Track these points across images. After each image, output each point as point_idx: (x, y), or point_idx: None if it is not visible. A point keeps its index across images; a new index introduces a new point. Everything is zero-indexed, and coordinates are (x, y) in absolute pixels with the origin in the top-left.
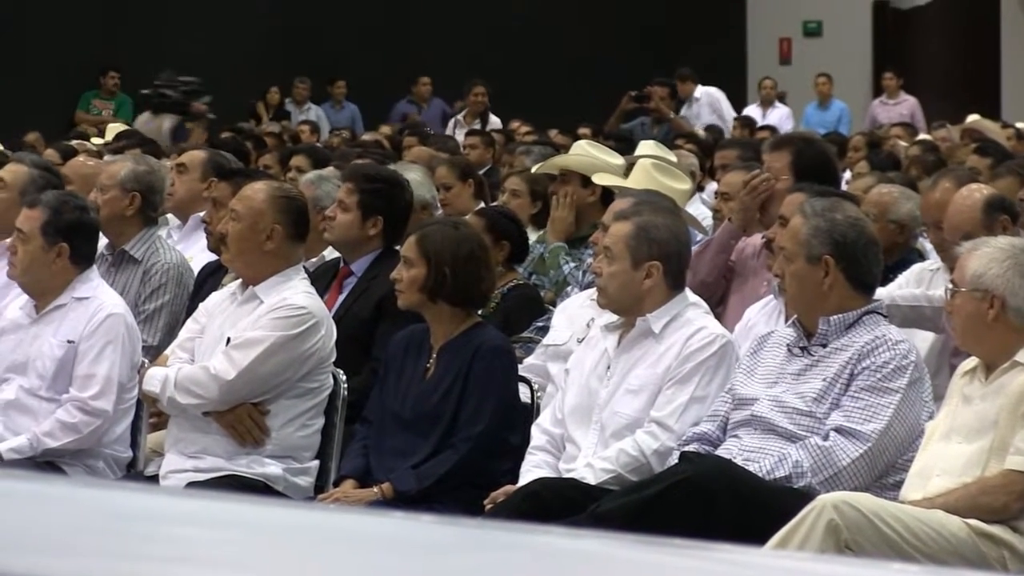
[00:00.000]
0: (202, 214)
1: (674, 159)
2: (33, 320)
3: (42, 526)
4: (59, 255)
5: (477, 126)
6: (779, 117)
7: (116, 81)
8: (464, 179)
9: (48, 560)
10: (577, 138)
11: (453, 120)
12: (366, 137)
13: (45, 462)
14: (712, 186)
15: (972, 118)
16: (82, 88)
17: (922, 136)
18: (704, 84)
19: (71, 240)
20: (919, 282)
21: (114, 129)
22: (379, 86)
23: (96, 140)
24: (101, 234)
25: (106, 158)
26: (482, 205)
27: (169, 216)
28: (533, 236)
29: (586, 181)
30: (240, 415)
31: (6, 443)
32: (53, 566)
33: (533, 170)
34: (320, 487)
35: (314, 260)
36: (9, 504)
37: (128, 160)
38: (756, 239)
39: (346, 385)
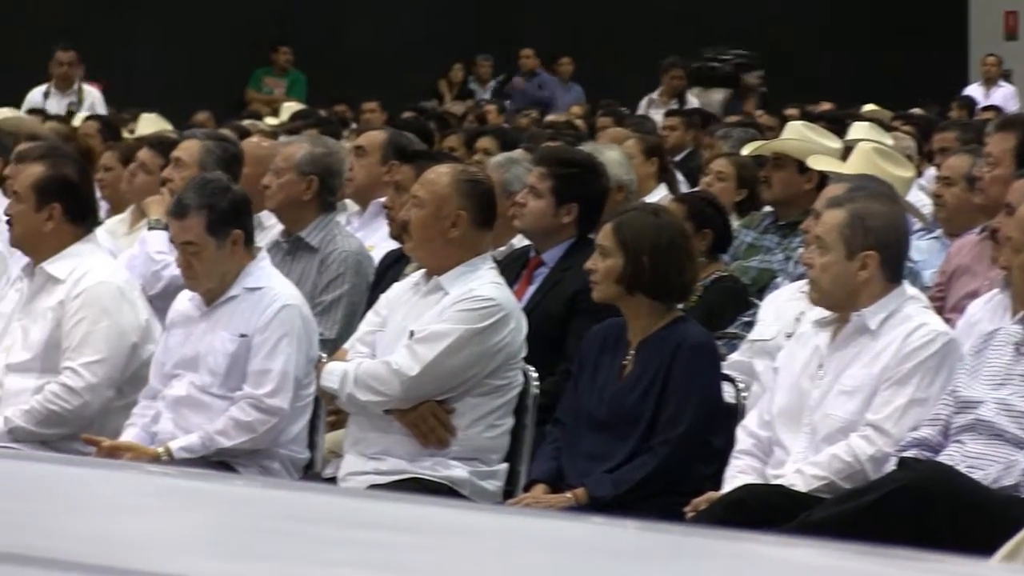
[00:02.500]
0: (383, 200)
1: (890, 141)
2: (203, 313)
3: (216, 528)
4: (234, 243)
5: (675, 106)
6: (1003, 97)
7: (289, 57)
8: (649, 156)
9: (223, 564)
10: (784, 119)
11: (647, 99)
12: (556, 117)
13: (218, 462)
14: (931, 171)
15: None
16: (253, 65)
17: None
18: (921, 59)
19: (241, 225)
20: None
21: (289, 108)
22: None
23: (270, 120)
24: (277, 221)
25: (281, 139)
26: (664, 187)
27: (347, 201)
28: (736, 223)
29: (802, 166)
30: (423, 414)
31: (177, 441)
32: (228, 570)
33: (743, 152)
34: (509, 492)
35: (502, 249)
36: (181, 505)
37: (305, 141)
38: (971, 237)
39: (537, 382)
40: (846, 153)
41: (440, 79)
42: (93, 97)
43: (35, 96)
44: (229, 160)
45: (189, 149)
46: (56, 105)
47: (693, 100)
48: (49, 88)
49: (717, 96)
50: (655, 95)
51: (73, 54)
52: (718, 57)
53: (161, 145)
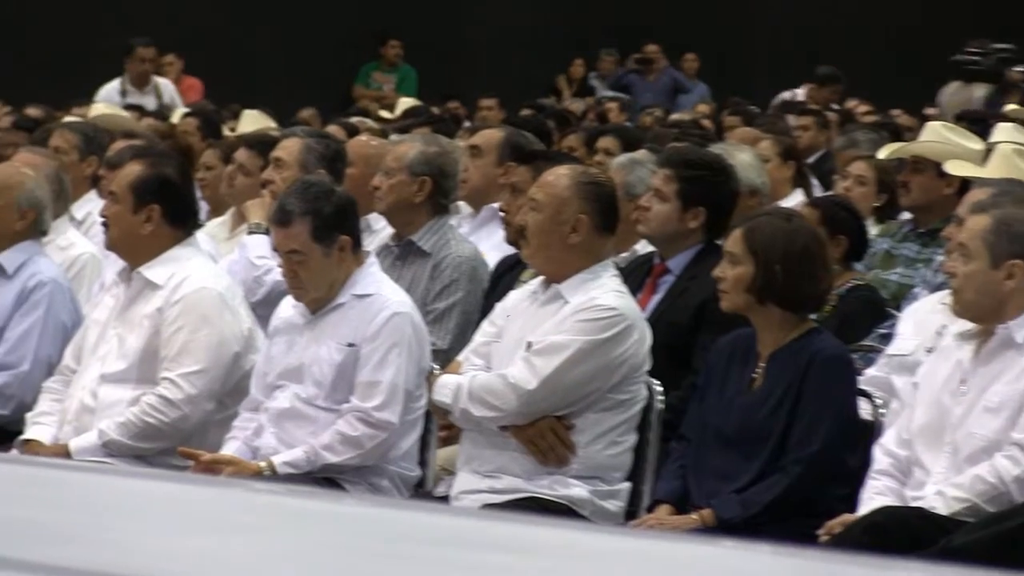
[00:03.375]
0: (496, 205)
1: None
2: (308, 321)
3: (323, 549)
4: (342, 249)
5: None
6: None
7: (398, 51)
8: (785, 159)
9: None
10: (924, 119)
11: (780, 99)
12: (682, 116)
13: (324, 478)
14: None
15: None
16: (360, 59)
17: None
18: None
19: (348, 230)
20: None
21: (405, 104)
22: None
23: (385, 113)
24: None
25: (392, 137)
26: (800, 192)
27: (460, 204)
28: (874, 230)
29: (942, 170)
30: (542, 430)
31: (280, 456)
32: None
33: (879, 155)
34: (632, 512)
35: (625, 255)
36: (286, 524)
37: (417, 140)
38: None
39: (661, 397)
40: (988, 156)
41: (559, 74)
42: (169, 91)
43: (110, 93)
44: (332, 158)
45: (289, 148)
46: (136, 102)
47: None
48: (124, 84)
49: (979, 92)
50: (796, 92)
51: (153, 50)
52: (981, 51)
53: (260, 145)
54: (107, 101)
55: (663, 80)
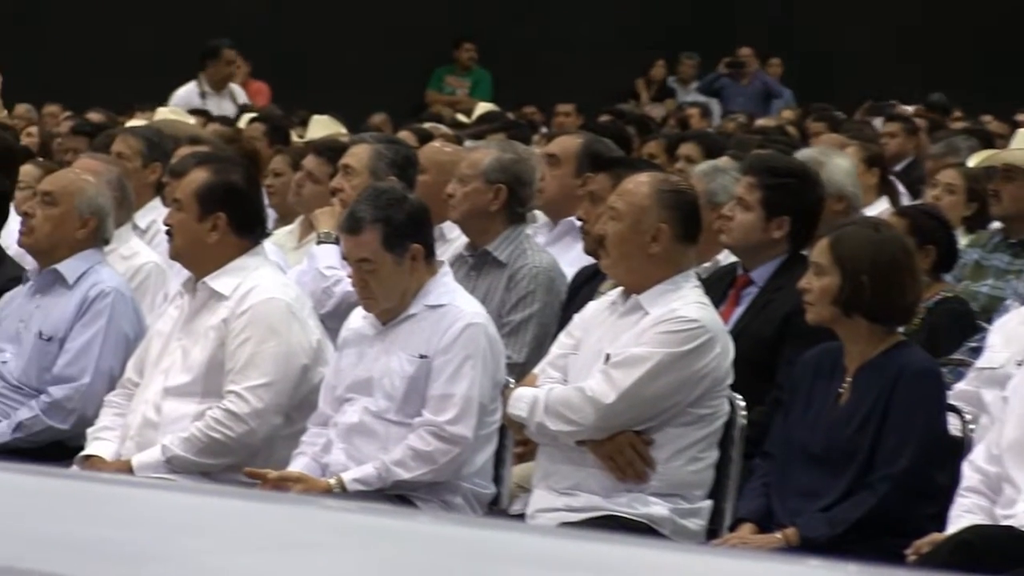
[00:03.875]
0: (574, 218)
1: None
2: (379, 332)
3: (396, 568)
4: (414, 258)
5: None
6: None
7: (472, 54)
8: (870, 165)
9: None
10: (1016, 125)
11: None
12: (766, 122)
13: (395, 496)
14: None
15: None
16: (433, 63)
17: None
18: None
19: (420, 239)
20: None
21: (479, 109)
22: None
23: (461, 118)
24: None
25: (467, 144)
26: (884, 200)
27: (537, 213)
28: (964, 240)
29: None
30: (620, 445)
31: (350, 473)
32: None
33: (969, 163)
34: (713, 531)
35: (707, 265)
36: (358, 542)
37: (492, 147)
38: None
39: (744, 412)
40: None
41: (639, 78)
42: (242, 95)
43: (189, 96)
44: (403, 164)
45: (358, 155)
46: (216, 107)
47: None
48: (202, 87)
49: None
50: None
51: (234, 52)
52: None
53: (329, 151)
54: (186, 104)
55: (755, 84)
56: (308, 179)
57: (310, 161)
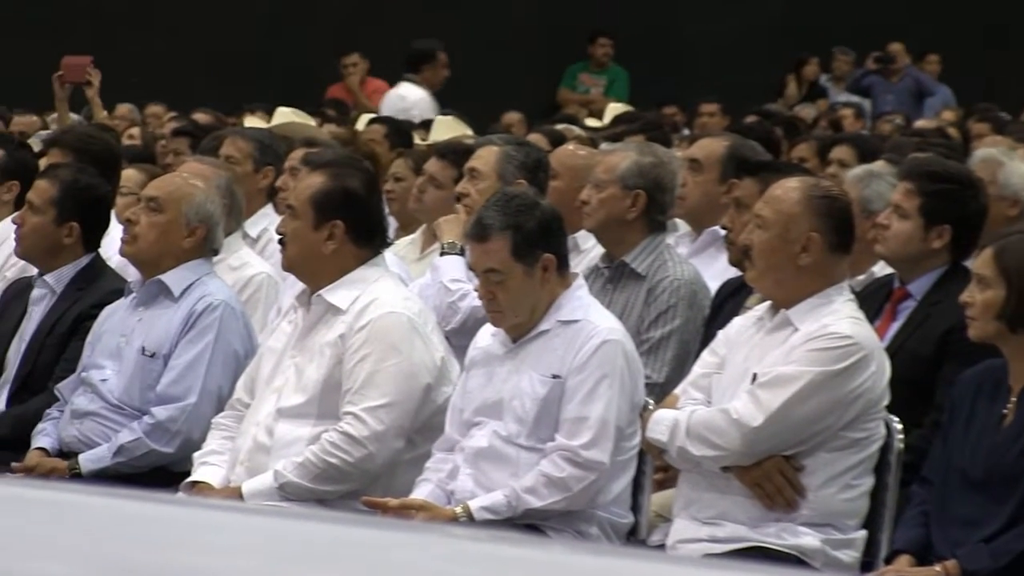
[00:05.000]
0: (718, 227)
1: None
2: (508, 350)
3: None
4: (545, 269)
5: None
6: None
7: (608, 50)
8: None
9: None
10: None
11: None
12: (925, 123)
13: (525, 525)
14: None
15: None
16: (566, 59)
17: None
18: None
19: (553, 248)
20: None
21: (614, 110)
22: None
23: (591, 122)
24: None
25: (602, 147)
26: None
27: (678, 222)
28: None
29: None
30: (769, 471)
31: (478, 500)
32: None
33: None
34: (868, 564)
35: (861, 278)
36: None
37: (630, 150)
38: None
39: (901, 435)
40: None
41: (788, 75)
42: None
43: (424, 102)
44: (533, 168)
45: (485, 157)
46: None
47: None
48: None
49: None
50: None
51: (357, 56)
52: None
53: (453, 154)
54: (396, 109)
55: (905, 82)
56: (431, 184)
57: (433, 164)
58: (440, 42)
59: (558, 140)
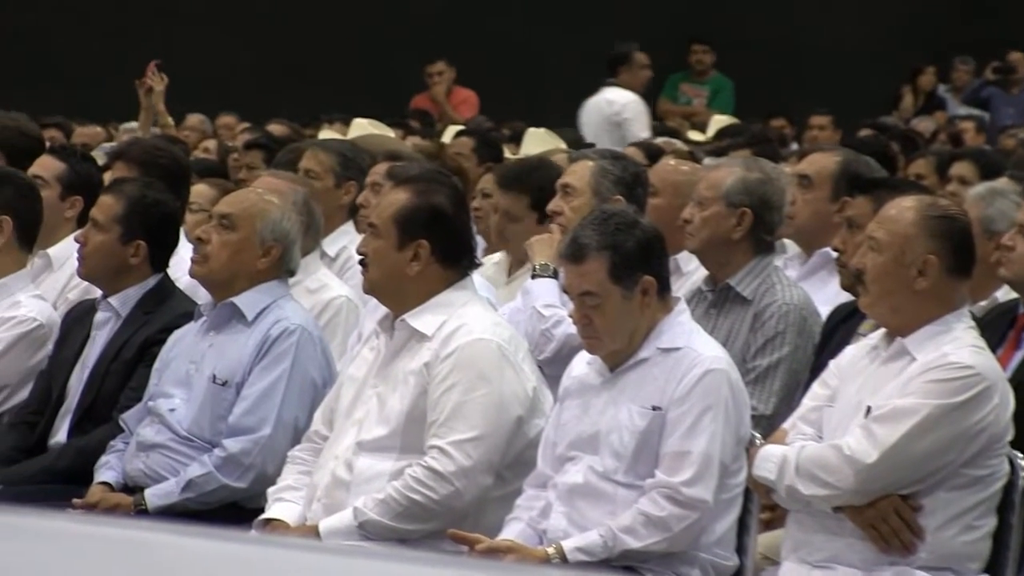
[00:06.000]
0: (830, 248)
1: None
2: (605, 380)
3: None
4: (645, 293)
5: None
6: None
7: (710, 57)
8: None
9: None
10: None
11: None
12: None
13: (622, 567)
14: None
15: None
16: (666, 68)
17: None
18: None
19: (653, 270)
20: None
21: (719, 122)
22: None
23: (694, 135)
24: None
25: (706, 161)
26: None
27: (786, 242)
28: None
29: None
30: (884, 511)
31: (572, 541)
32: None
33: None
34: None
35: (983, 303)
36: None
37: (736, 165)
38: None
39: None
40: None
41: (904, 86)
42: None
43: (637, 108)
44: (630, 183)
45: (580, 173)
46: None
47: None
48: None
49: None
50: None
51: (443, 64)
52: None
53: (517, 180)
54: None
55: None
56: (506, 220)
57: (502, 200)
58: (635, 43)
59: (657, 154)
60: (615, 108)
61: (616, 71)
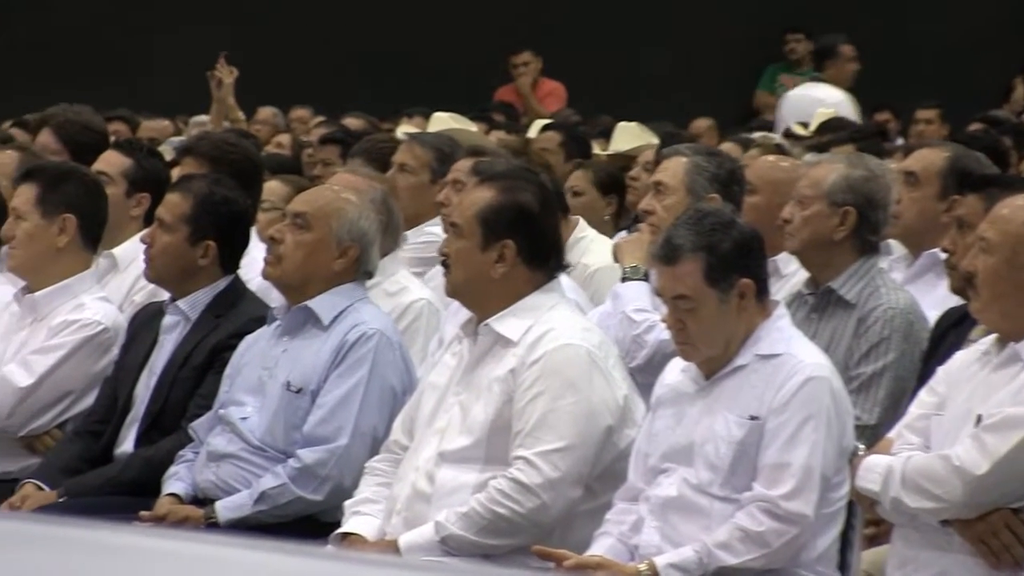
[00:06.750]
0: (939, 248)
1: None
2: (700, 388)
3: None
4: (742, 296)
5: None
6: None
7: (809, 48)
8: None
9: None
10: None
11: None
12: None
13: None
14: None
15: None
16: (764, 59)
17: None
18: None
19: (751, 272)
20: None
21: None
22: None
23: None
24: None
25: (807, 158)
26: None
27: (891, 243)
28: None
29: None
30: (995, 525)
31: (665, 557)
32: None
33: None
34: None
35: None
36: None
37: (838, 162)
38: None
39: None
40: None
41: (1016, 77)
42: None
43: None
44: (726, 181)
45: (672, 170)
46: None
47: None
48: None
49: None
50: None
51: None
52: None
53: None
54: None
55: None
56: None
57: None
58: (841, 35)
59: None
60: (825, 107)
61: (822, 65)
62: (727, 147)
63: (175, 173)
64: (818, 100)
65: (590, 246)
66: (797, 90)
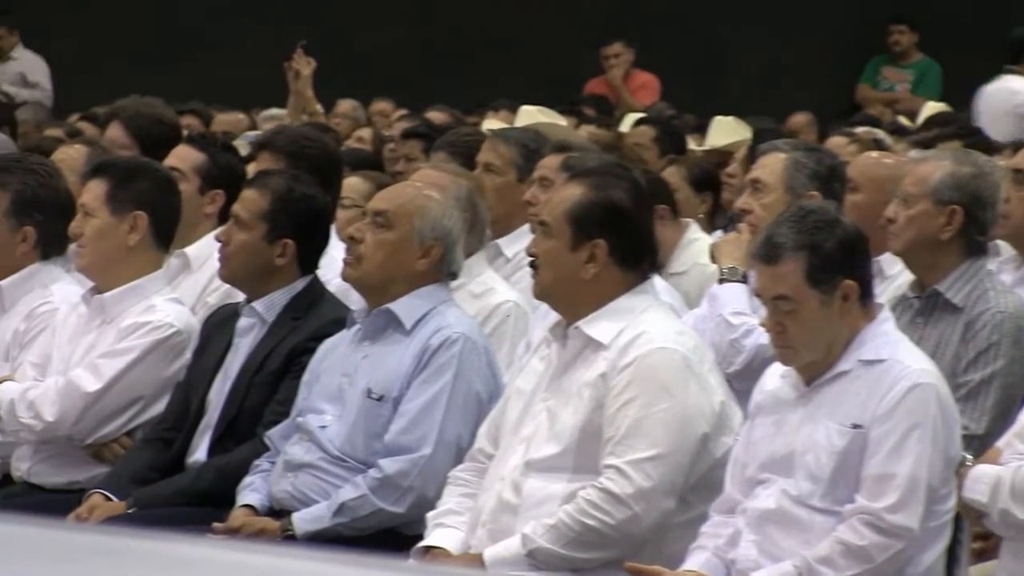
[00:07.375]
0: None
1: None
2: (800, 395)
3: None
4: (845, 298)
5: None
6: None
7: (913, 39)
8: None
9: None
10: None
11: None
12: None
13: None
14: None
15: None
16: (867, 51)
17: None
18: None
19: (854, 273)
20: None
21: (932, 109)
22: None
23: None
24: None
25: (911, 154)
26: None
27: (1000, 244)
28: None
29: None
30: None
31: (763, 572)
32: None
33: None
34: None
35: None
36: None
37: (945, 159)
38: None
39: None
40: None
41: None
42: None
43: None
44: (827, 178)
45: (771, 167)
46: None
47: None
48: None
49: None
50: None
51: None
52: None
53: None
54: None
55: None
56: None
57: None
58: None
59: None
60: (1019, 99)
61: (1019, 57)
62: (834, 142)
63: (251, 169)
64: (1014, 92)
65: (705, 248)
66: (994, 83)
